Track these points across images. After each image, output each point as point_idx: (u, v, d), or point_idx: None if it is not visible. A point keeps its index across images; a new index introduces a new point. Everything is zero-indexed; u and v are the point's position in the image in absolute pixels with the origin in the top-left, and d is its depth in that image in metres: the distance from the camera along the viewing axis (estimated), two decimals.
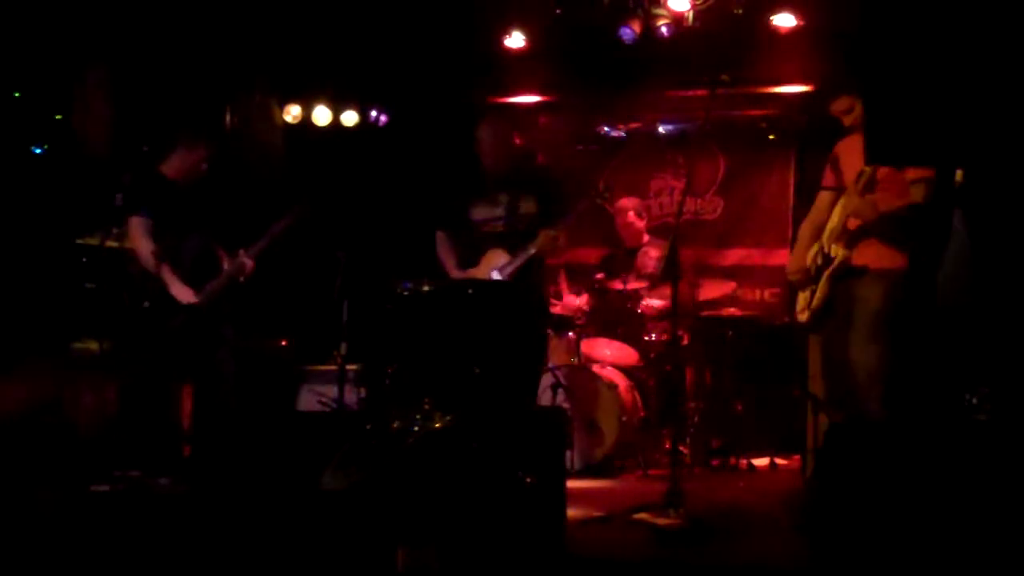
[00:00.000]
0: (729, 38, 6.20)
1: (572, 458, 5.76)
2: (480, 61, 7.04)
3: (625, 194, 7.31)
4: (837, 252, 4.48)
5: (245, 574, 3.66)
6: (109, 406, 5.60)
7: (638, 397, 6.29)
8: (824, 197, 4.79)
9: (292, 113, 7.61)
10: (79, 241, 5.98)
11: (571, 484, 4.18)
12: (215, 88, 6.89)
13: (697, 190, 8.02)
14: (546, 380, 5.61)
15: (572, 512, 4.14)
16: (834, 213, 4.64)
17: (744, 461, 6.11)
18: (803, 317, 4.77)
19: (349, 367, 6.12)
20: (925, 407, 4.22)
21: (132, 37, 6.33)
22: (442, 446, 4.03)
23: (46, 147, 6.44)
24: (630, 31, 6.23)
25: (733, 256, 8.03)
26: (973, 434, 3.51)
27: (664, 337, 6.43)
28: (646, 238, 7.03)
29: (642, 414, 6.28)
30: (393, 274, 5.39)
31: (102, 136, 6.47)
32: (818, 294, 4.58)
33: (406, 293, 5.00)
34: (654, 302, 6.49)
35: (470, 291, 4.88)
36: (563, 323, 6.55)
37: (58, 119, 6.46)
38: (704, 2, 6.04)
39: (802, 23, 6.14)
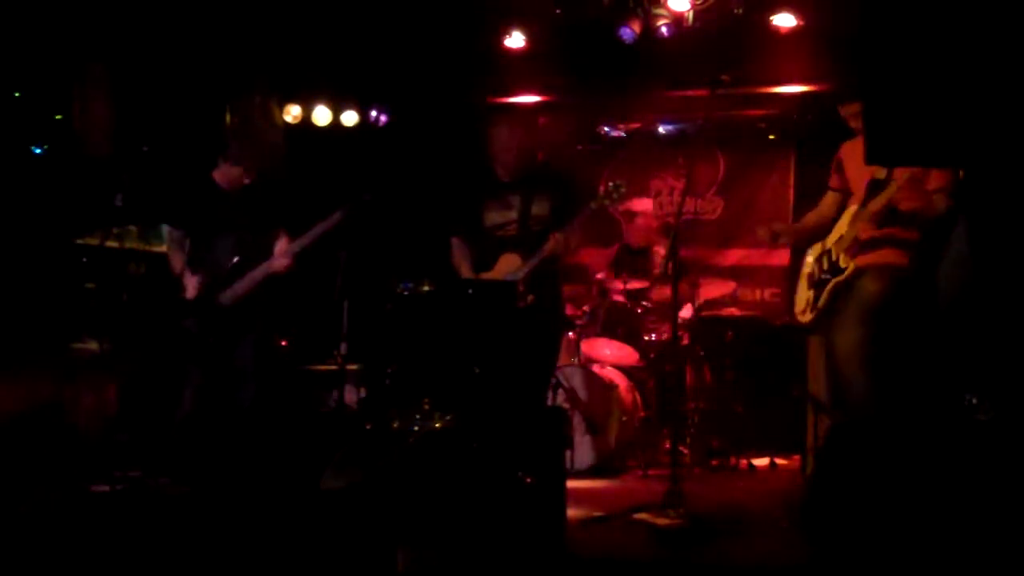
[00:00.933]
0: (729, 38, 6.20)
1: (572, 458, 5.76)
2: (480, 61, 7.03)
3: (636, 195, 7.32)
4: (848, 264, 4.49)
5: (245, 574, 3.66)
6: (109, 406, 5.60)
7: (638, 397, 6.29)
8: (831, 197, 4.84)
9: (292, 113, 7.61)
10: (79, 241, 5.98)
11: (571, 484, 4.18)
12: (215, 88, 6.90)
13: (697, 190, 8.03)
14: None
15: (572, 512, 4.14)
16: (842, 221, 4.64)
17: (744, 461, 6.11)
18: (805, 319, 4.78)
19: (349, 367, 6.12)
20: (925, 407, 4.22)
21: (132, 37, 6.33)
22: (442, 446, 4.03)
23: (46, 147, 6.44)
24: (630, 31, 6.22)
25: (733, 256, 8.04)
26: (973, 434, 3.51)
27: (664, 337, 6.43)
28: (656, 238, 7.06)
29: (642, 414, 6.28)
30: (393, 274, 5.39)
31: (102, 136, 6.47)
32: (823, 299, 4.59)
33: (406, 293, 5.00)
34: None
35: (470, 291, 4.88)
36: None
37: (58, 119, 6.46)
38: (704, 2, 6.03)
39: (802, 23, 6.14)
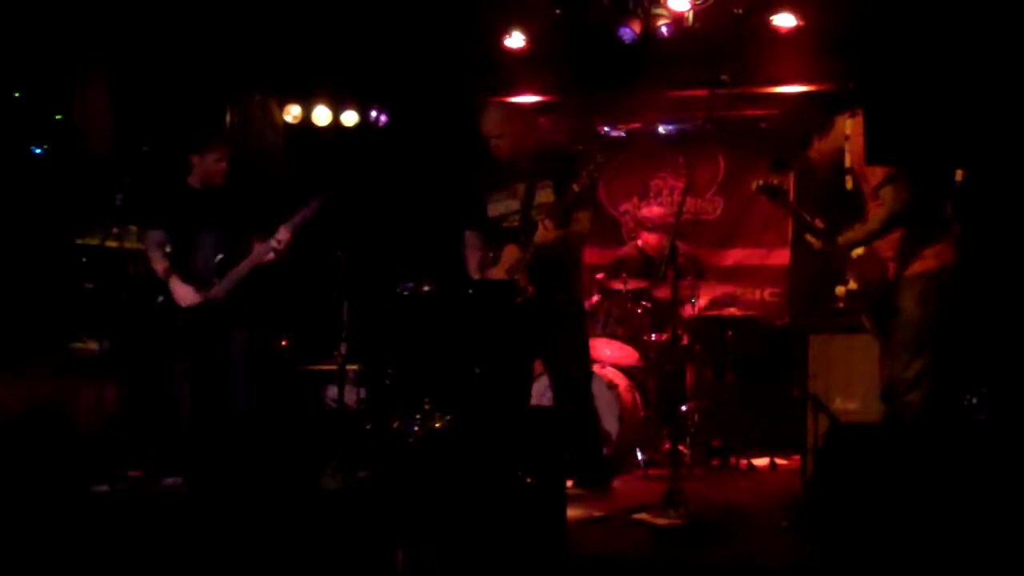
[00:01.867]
0: (729, 38, 6.20)
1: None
2: (480, 61, 7.03)
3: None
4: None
5: (245, 574, 3.66)
6: (109, 406, 5.60)
7: (638, 397, 6.29)
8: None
9: (292, 113, 7.61)
10: (79, 241, 5.98)
11: (571, 484, 4.18)
12: (215, 88, 6.90)
13: (697, 190, 8.02)
14: (546, 381, 5.61)
15: (572, 512, 4.14)
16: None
17: (744, 461, 6.11)
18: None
19: (349, 367, 6.12)
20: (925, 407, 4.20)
21: (132, 37, 6.33)
22: (442, 446, 4.03)
23: (46, 147, 6.43)
24: (630, 31, 6.23)
25: (733, 256, 8.03)
26: (973, 434, 3.51)
27: (664, 337, 6.43)
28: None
29: (642, 414, 6.28)
30: (393, 274, 5.39)
31: (102, 136, 6.47)
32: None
33: (406, 293, 4.99)
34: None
35: (470, 291, 4.88)
36: None
37: (58, 119, 6.46)
38: (704, 2, 6.03)
39: (802, 23, 6.14)
